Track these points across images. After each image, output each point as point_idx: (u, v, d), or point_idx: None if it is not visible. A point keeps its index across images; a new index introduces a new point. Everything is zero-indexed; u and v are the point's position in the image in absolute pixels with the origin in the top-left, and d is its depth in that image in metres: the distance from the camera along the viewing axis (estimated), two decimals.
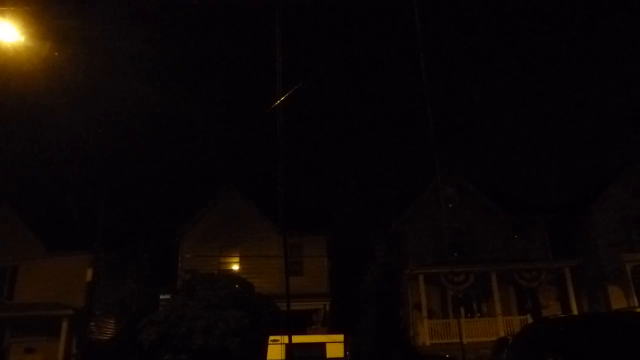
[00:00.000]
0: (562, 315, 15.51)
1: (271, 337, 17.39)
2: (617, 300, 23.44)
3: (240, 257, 25.46)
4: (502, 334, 20.27)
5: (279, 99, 8.33)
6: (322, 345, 18.38)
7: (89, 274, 19.33)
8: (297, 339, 16.17)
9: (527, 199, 28.30)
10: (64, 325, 21.61)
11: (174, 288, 21.63)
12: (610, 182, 26.19)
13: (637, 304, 22.86)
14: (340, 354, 18.27)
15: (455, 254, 24.19)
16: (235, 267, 25.29)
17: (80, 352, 20.94)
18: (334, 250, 27.17)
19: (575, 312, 21.57)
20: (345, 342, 18.71)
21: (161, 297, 25.00)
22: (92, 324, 22.67)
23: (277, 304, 18.90)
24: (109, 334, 24.90)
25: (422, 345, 21.89)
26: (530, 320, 21.04)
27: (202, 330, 16.54)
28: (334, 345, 18.46)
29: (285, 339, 15.22)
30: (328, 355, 18.13)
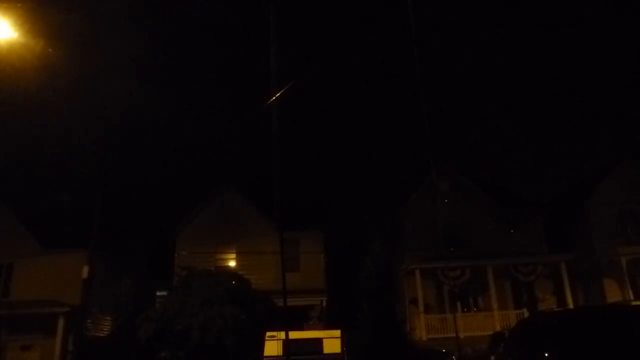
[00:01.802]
0: (558, 309, 15.60)
1: (268, 333, 17.41)
2: (613, 294, 23.56)
3: (236, 253, 25.46)
4: (498, 328, 20.35)
5: (274, 95, 8.32)
6: (319, 341, 18.42)
7: (85, 271, 19.24)
8: (294, 334, 16.17)
9: (523, 193, 28.37)
10: (61, 322, 21.57)
11: (170, 285, 21.61)
12: (605, 176, 26.27)
13: (632, 297, 22.97)
14: (337, 350, 18.31)
15: (452, 248, 24.21)
16: (232, 263, 25.29)
17: (76, 349, 20.91)
18: (330, 246, 27.18)
19: (571, 306, 21.68)
20: (342, 338, 18.75)
21: (158, 293, 24.98)
22: (89, 321, 22.61)
23: (273, 300, 18.91)
24: (105, 330, 24.88)
25: (419, 340, 21.96)
26: (526, 314, 21.15)
27: (199, 326, 16.51)
28: (331, 340, 18.50)
29: (282, 334, 15.24)
30: (325, 351, 18.17)
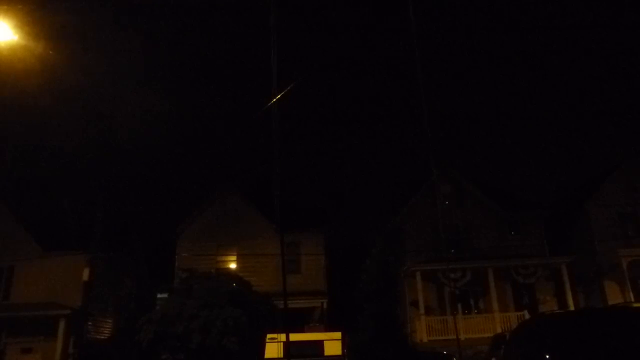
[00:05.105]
0: (559, 311, 15.58)
1: (269, 335, 17.39)
2: (613, 296, 23.52)
3: (237, 255, 25.45)
4: (499, 330, 20.33)
5: (274, 97, 8.31)
6: (319, 343, 18.41)
7: (86, 273, 19.23)
8: (294, 337, 16.15)
9: (524, 195, 28.43)
10: (61, 325, 21.56)
11: (171, 287, 21.56)
12: (606, 178, 26.25)
13: (633, 299, 22.92)
14: (338, 352, 18.30)
15: (452, 250, 24.21)
16: (233, 265, 25.27)
17: (77, 351, 20.89)
18: (331, 248, 27.16)
19: (572, 308, 21.65)
20: (343, 340, 18.74)
21: (158, 296, 24.94)
22: (90, 323, 22.60)
23: (274, 302, 18.91)
24: (106, 333, 24.85)
25: (420, 342, 21.93)
26: (527, 316, 21.11)
27: (200, 329, 16.50)
28: (332, 342, 18.49)
29: (283, 337, 15.22)
30: (326, 353, 18.16)
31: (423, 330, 21.99)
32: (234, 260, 25.42)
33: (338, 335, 18.91)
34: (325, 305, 24.18)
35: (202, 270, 20.39)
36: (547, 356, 6.21)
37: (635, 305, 20.46)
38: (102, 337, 24.32)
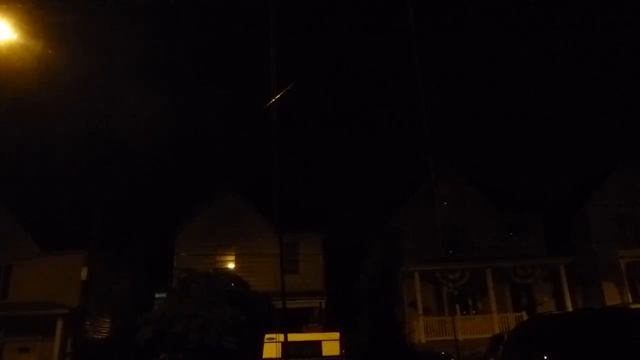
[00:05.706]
0: (557, 312, 15.59)
1: (267, 335, 17.36)
2: (612, 297, 23.52)
3: (236, 255, 25.44)
4: (497, 331, 20.31)
5: (274, 97, 8.31)
6: (318, 343, 18.35)
7: (84, 273, 19.21)
8: (293, 337, 16.15)
9: (523, 195, 28.40)
10: (59, 324, 21.52)
11: (169, 287, 21.58)
12: (604, 179, 26.25)
13: (631, 300, 22.93)
14: (336, 352, 18.26)
15: (451, 251, 24.21)
16: (231, 265, 25.26)
17: (75, 351, 20.86)
18: (330, 248, 27.15)
19: (570, 309, 21.66)
20: (341, 340, 18.69)
21: (157, 295, 24.93)
22: (87, 323, 22.55)
23: (273, 302, 18.89)
24: (104, 333, 24.81)
25: (418, 342, 21.92)
26: (525, 317, 21.11)
27: (198, 328, 16.52)
28: (330, 343, 18.44)
29: (281, 337, 15.18)
30: (324, 353, 18.11)
31: (421, 330, 21.98)
32: (233, 260, 25.41)
33: (336, 335, 18.84)
34: (323, 306, 24.17)
35: (201, 270, 20.40)
36: (546, 357, 6.22)
37: (634, 306, 20.49)
38: (100, 337, 24.28)
